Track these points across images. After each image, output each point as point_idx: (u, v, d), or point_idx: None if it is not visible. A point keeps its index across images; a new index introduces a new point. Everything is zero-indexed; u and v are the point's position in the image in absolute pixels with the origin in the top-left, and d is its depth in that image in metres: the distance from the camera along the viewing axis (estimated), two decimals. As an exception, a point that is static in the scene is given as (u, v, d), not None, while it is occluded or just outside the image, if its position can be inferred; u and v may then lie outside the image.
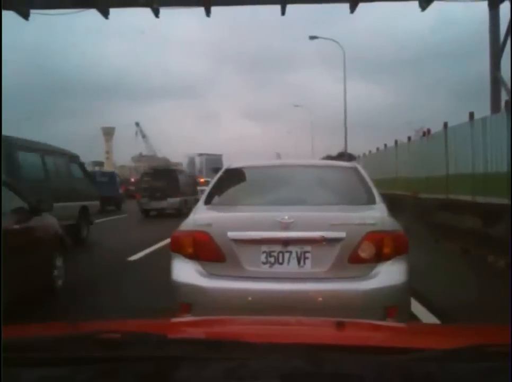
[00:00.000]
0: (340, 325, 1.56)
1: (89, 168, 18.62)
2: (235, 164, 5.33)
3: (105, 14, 13.80)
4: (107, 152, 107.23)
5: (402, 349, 1.23)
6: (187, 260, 3.89)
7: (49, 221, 6.71)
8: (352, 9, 14.32)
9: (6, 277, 4.77)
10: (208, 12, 13.85)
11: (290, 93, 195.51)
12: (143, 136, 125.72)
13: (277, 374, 1.03)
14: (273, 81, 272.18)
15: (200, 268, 3.85)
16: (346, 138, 30.80)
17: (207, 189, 4.80)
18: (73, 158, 13.09)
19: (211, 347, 1.17)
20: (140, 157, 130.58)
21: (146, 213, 20.51)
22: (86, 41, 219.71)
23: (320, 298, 3.66)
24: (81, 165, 13.74)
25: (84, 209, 12.20)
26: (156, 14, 13.80)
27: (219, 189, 4.74)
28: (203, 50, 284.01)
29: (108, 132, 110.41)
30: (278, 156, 72.74)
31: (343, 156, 32.62)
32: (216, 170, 13.08)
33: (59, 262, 6.67)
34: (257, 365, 1.07)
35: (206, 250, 3.82)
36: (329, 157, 49.73)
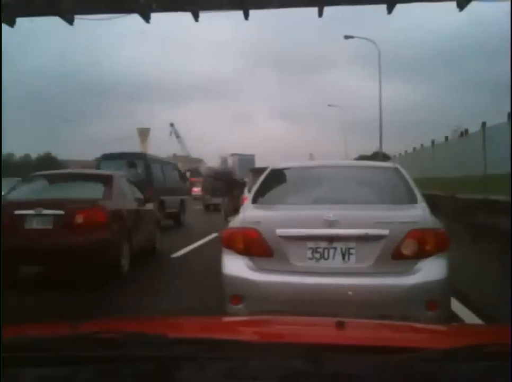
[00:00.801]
0: (340, 325, 1.55)
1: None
2: (280, 165, 5.56)
3: (147, 19, 14.16)
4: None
5: (402, 349, 1.23)
6: (237, 255, 4.13)
7: (153, 208, 10.13)
8: (390, 10, 14.33)
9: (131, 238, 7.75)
10: (246, 16, 14.08)
11: (323, 93, 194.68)
12: (178, 137, 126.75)
13: (277, 374, 1.04)
14: (306, 82, 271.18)
15: (249, 262, 4.08)
16: (381, 138, 30.56)
17: (253, 188, 5.04)
18: (175, 166, 19.64)
19: (211, 347, 1.18)
20: (174, 158, 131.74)
21: (207, 207, 25.83)
22: (124, 45, 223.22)
23: (364, 293, 3.86)
24: (179, 171, 19.71)
25: (182, 201, 17.74)
26: (196, 17, 14.11)
27: (265, 188, 4.95)
28: (237, 51, 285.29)
29: (144, 133, 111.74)
30: (311, 156, 72.53)
31: (378, 156, 32.45)
32: (254, 170, 13.21)
33: (157, 234, 10.02)
34: (257, 365, 1.08)
35: (256, 246, 4.05)
36: (363, 157, 49.36)
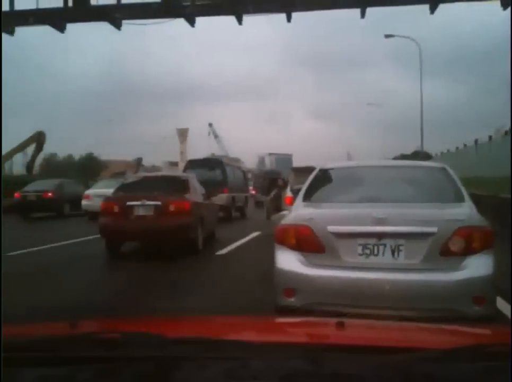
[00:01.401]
0: (340, 325, 1.54)
1: (165, 167, 22.89)
2: (328, 165, 5.80)
3: (192, 23, 14.58)
4: (182, 153, 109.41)
5: (402, 349, 1.23)
6: (290, 250, 4.33)
7: (214, 202, 12.75)
8: (432, 9, 14.40)
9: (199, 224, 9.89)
10: (289, 18, 14.37)
11: (362, 92, 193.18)
12: (216, 137, 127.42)
13: (277, 374, 1.04)
14: (345, 81, 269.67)
15: (301, 258, 4.27)
16: (423, 137, 30.24)
17: (303, 187, 5.29)
18: (241, 169, 24.73)
19: (211, 347, 1.18)
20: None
21: (259, 204, 26.56)
22: (167, 48, 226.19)
23: (413, 287, 4.02)
24: (243, 172, 23.98)
25: (246, 197, 21.57)
26: (240, 21, 14.46)
27: (314, 187, 5.16)
28: (277, 52, 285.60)
29: (183, 133, 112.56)
30: (349, 155, 72.00)
31: (419, 155, 32.13)
32: (296, 170, 13.29)
33: (216, 222, 12.41)
34: (257, 365, 1.08)
35: (308, 242, 4.24)
36: (403, 156, 48.75)
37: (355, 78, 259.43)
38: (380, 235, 4.11)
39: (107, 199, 10.25)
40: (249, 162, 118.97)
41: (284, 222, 4.62)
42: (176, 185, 10.21)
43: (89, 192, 19.64)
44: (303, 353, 1.12)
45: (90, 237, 11.47)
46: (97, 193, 17.22)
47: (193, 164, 19.61)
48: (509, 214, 11.53)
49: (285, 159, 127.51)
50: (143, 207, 9.39)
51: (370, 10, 15.07)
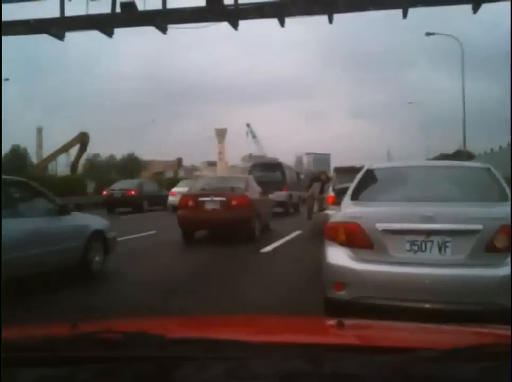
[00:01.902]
0: (340, 325, 1.53)
1: (204, 167, 23.52)
2: (375, 165, 6.00)
3: (235, 26, 14.85)
4: (220, 152, 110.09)
5: (402, 349, 1.23)
6: (339, 246, 4.55)
7: (269, 198, 14.67)
8: (475, 9, 14.29)
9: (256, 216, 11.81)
10: (330, 20, 14.49)
11: (402, 91, 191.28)
12: (254, 136, 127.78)
13: (277, 374, 1.04)
14: (385, 81, 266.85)
15: (351, 253, 4.48)
16: (465, 136, 29.81)
17: (351, 187, 5.49)
18: (295, 170, 27.29)
19: (211, 347, 1.18)
20: (250, 157, 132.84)
21: (304, 201, 29.08)
22: (208, 51, 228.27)
23: (460, 282, 4.16)
24: (297, 173, 26.38)
25: (299, 196, 22.17)
26: (282, 23, 14.66)
27: (362, 187, 5.40)
28: (316, 53, 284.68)
29: (221, 134, 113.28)
30: (389, 154, 71.24)
31: (461, 154, 31.68)
32: (339, 169, 13.28)
33: (270, 216, 14.17)
34: (257, 365, 1.08)
35: (357, 238, 4.45)
36: (443, 156, 47.97)
37: (396, 77, 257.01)
38: (428, 232, 4.28)
39: (184, 195, 12.72)
40: (287, 162, 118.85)
41: (334, 219, 4.84)
42: (238, 184, 12.58)
43: (174, 189, 23.51)
44: (304, 353, 1.12)
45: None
46: (181, 191, 18.97)
47: (256, 167, 22.90)
48: None
49: (322, 159, 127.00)
50: (212, 202, 11.55)
51: (411, 10, 15.06)
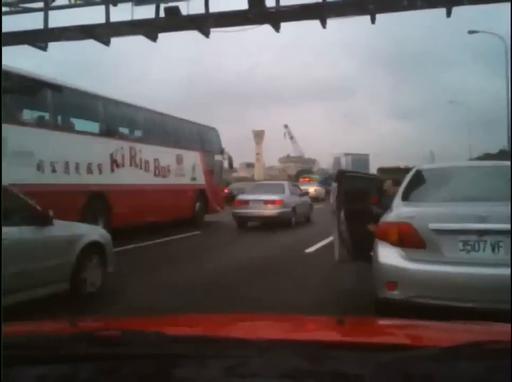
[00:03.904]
0: (340, 322, 1.55)
1: (241, 169, 24.13)
2: (425, 166, 6.02)
3: (277, 28, 14.91)
4: (258, 154, 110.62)
5: (402, 346, 1.23)
6: (391, 246, 4.60)
7: (306, 197, 19.55)
8: (521, 6, 13.99)
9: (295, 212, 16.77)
10: (373, 20, 14.40)
11: (443, 91, 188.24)
12: (291, 138, 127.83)
13: (277, 372, 1.04)
14: (425, 80, 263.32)
15: (403, 253, 4.53)
16: (510, 135, 29.01)
17: (401, 187, 5.49)
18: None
19: (211, 345, 1.17)
20: (287, 158, 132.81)
21: None
22: (244, 52, 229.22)
23: None
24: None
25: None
26: (324, 24, 14.63)
27: (412, 187, 5.44)
28: (353, 51, 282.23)
29: (259, 135, 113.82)
30: (431, 153, 69.99)
31: (505, 154, 30.92)
32: (382, 170, 13.19)
33: (311, 212, 19.16)
34: (258, 362, 1.07)
35: (410, 238, 4.49)
36: (487, 156, 46.93)
37: (437, 77, 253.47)
38: (481, 232, 4.32)
39: (237, 196, 17.70)
40: (325, 163, 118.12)
41: (386, 219, 4.86)
42: (277, 188, 17.48)
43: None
44: (304, 351, 1.12)
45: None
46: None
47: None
48: None
49: (361, 159, 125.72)
50: (256, 201, 16.17)
51: (455, 8, 14.83)
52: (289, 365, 1.06)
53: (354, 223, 6.76)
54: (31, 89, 10.61)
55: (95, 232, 6.75)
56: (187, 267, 8.85)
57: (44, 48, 16.27)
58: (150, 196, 13.85)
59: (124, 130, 14.23)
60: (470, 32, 30.58)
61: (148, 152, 14.05)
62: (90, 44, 15.77)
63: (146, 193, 13.67)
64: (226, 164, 20.31)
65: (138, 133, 14.69)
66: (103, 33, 15.55)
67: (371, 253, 5.37)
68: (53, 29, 15.31)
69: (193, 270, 8.48)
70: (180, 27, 15.05)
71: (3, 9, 15.55)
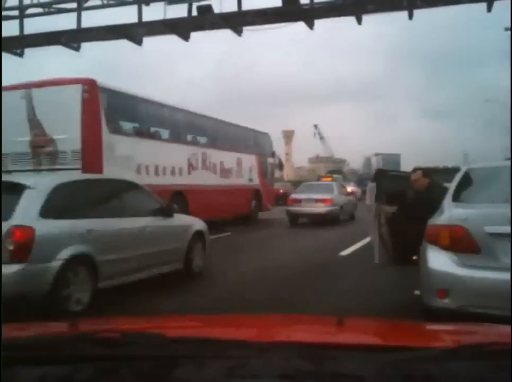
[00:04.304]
0: (340, 323, 1.53)
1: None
2: (474, 165, 5.65)
3: (311, 25, 14.60)
4: (287, 154, 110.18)
5: (402, 347, 1.22)
6: (442, 250, 4.29)
7: (351, 196, 21.75)
8: None
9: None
10: (410, 15, 13.99)
11: (479, 89, 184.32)
12: (321, 138, 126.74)
13: (277, 373, 1.04)
14: (458, 79, 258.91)
15: (455, 258, 4.21)
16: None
17: (451, 187, 5.14)
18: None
19: (211, 346, 1.17)
20: (317, 159, 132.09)
21: None
22: (276, 52, 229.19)
23: None
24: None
25: None
26: (359, 21, 14.27)
27: (462, 187, 5.07)
28: (382, 50, 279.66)
29: (288, 135, 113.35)
30: (465, 156, 68.74)
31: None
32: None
33: (355, 209, 20.45)
34: (258, 363, 1.07)
35: (462, 243, 4.18)
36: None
37: (471, 75, 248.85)
38: None
39: (291, 195, 19.31)
40: (355, 163, 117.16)
41: (436, 222, 4.53)
42: (327, 187, 19.28)
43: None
44: (304, 352, 1.11)
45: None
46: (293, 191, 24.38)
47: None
48: None
49: (392, 159, 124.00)
50: (309, 199, 17.75)
51: (496, 3, 14.31)
52: (289, 366, 1.05)
53: (395, 224, 6.43)
54: (131, 105, 12.84)
55: (199, 223, 8.31)
56: (260, 257, 10.32)
57: (77, 48, 16.28)
58: (217, 195, 15.67)
59: (197, 138, 16.02)
60: (507, 29, 29.71)
61: (215, 156, 16.05)
62: (123, 44, 15.73)
63: (213, 192, 15.59)
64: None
65: (207, 140, 16.40)
66: (135, 32, 15.48)
67: (414, 257, 5.05)
68: (86, 29, 15.29)
69: (267, 258, 9.99)
70: (212, 26, 14.83)
71: (37, 10, 15.64)
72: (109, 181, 7.37)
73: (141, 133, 12.92)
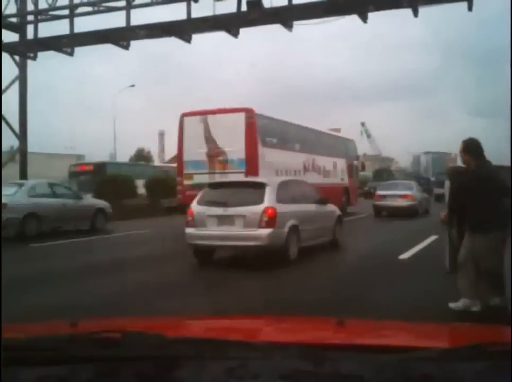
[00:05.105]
0: (340, 324, 1.54)
1: None
2: None
3: (364, 19, 14.00)
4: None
5: (402, 348, 1.22)
6: None
7: (426, 193, 24.52)
8: None
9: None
10: (470, 7, 13.29)
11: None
12: (369, 136, 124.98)
13: (277, 374, 1.03)
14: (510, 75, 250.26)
15: None
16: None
17: None
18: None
19: (211, 347, 1.17)
20: (364, 157, 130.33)
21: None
22: (319, 48, 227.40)
23: None
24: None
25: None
26: (416, 13, 13.65)
27: None
28: (433, 46, 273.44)
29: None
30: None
31: None
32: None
33: (430, 205, 22.76)
34: (257, 364, 1.06)
35: None
36: None
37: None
38: None
39: (377, 191, 21.98)
40: (403, 161, 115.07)
41: None
42: (407, 185, 22.03)
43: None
44: (304, 352, 1.11)
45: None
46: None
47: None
48: None
49: (442, 158, 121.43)
50: (393, 195, 20.46)
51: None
52: (289, 367, 1.05)
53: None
54: (273, 125, 17.39)
55: (338, 210, 11.74)
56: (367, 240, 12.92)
57: (126, 47, 16.25)
58: (321, 191, 18.03)
59: (309, 147, 20.02)
60: None
61: (319, 160, 20.25)
62: (171, 42, 15.57)
63: (319, 189, 17.85)
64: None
65: (314, 148, 20.43)
66: (184, 30, 15.31)
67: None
68: (135, 27, 15.21)
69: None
70: (262, 21, 14.49)
71: (87, 9, 15.66)
72: (296, 181, 11.73)
73: (279, 145, 17.45)
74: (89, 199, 16.35)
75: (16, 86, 17.45)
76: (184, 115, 16.06)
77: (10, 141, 18.63)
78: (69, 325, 1.54)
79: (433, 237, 11.61)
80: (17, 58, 17.35)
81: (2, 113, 16.68)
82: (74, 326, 1.52)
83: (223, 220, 8.76)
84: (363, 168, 27.61)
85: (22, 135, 17.59)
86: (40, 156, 35.20)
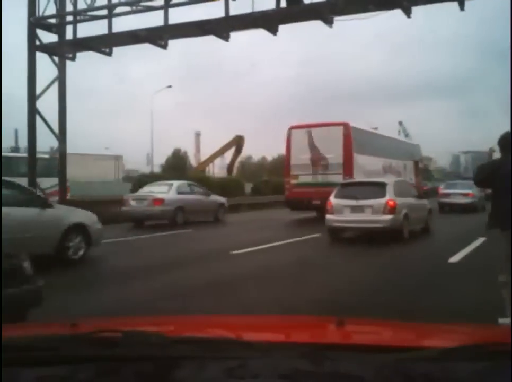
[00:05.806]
0: (340, 324, 1.52)
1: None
2: None
3: (408, 13, 13.51)
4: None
5: (402, 348, 1.21)
6: None
7: (483, 193, 22.89)
8: None
9: None
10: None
11: None
12: (406, 135, 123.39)
13: (277, 373, 1.03)
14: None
15: None
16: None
17: None
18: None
19: (211, 346, 1.16)
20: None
21: None
22: (353, 46, 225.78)
23: None
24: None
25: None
26: (462, 7, 13.09)
27: None
28: (471, 46, 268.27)
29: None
30: None
31: None
32: None
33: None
34: (257, 364, 1.06)
35: None
36: None
37: None
38: None
39: (441, 190, 25.22)
40: (442, 161, 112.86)
41: None
42: (467, 184, 22.37)
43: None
44: (304, 352, 1.10)
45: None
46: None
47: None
48: None
49: (483, 158, 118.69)
50: (456, 193, 23.28)
51: None
52: (288, 367, 1.05)
53: None
54: (363, 135, 21.46)
55: (428, 203, 14.86)
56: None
57: (164, 46, 16.13)
58: None
59: (387, 152, 23.52)
60: None
61: (393, 163, 23.93)
62: (210, 40, 15.39)
63: None
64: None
65: (391, 152, 24.01)
66: (222, 28, 15.07)
67: None
68: (172, 26, 15.07)
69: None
70: (302, 17, 14.11)
71: (126, 8, 15.60)
72: (403, 181, 15.44)
73: (367, 152, 20.65)
74: (214, 196, 20.07)
75: (55, 87, 17.52)
76: (292, 128, 20.58)
77: (50, 142, 18.74)
78: (69, 325, 1.53)
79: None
80: (56, 59, 17.40)
81: (42, 114, 16.78)
82: (74, 326, 1.51)
83: (355, 209, 12.27)
84: (425, 168, 31.84)
85: (62, 136, 17.66)
86: (76, 157, 35.96)
